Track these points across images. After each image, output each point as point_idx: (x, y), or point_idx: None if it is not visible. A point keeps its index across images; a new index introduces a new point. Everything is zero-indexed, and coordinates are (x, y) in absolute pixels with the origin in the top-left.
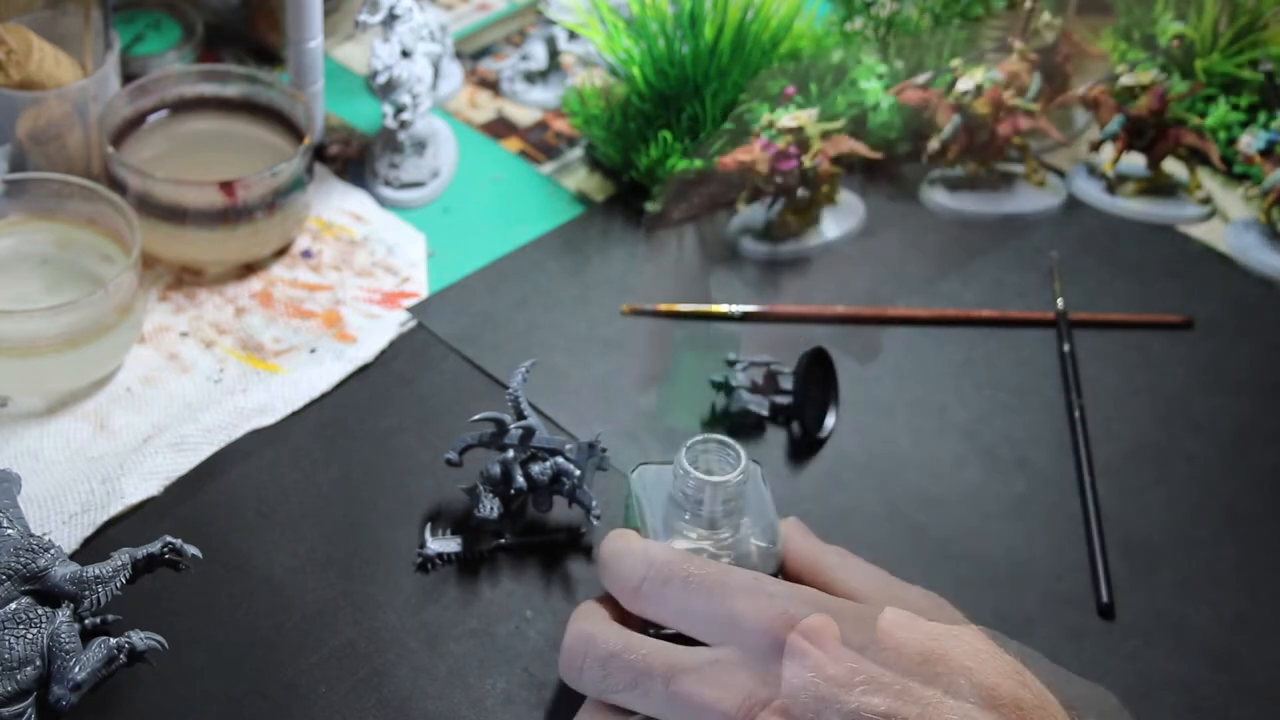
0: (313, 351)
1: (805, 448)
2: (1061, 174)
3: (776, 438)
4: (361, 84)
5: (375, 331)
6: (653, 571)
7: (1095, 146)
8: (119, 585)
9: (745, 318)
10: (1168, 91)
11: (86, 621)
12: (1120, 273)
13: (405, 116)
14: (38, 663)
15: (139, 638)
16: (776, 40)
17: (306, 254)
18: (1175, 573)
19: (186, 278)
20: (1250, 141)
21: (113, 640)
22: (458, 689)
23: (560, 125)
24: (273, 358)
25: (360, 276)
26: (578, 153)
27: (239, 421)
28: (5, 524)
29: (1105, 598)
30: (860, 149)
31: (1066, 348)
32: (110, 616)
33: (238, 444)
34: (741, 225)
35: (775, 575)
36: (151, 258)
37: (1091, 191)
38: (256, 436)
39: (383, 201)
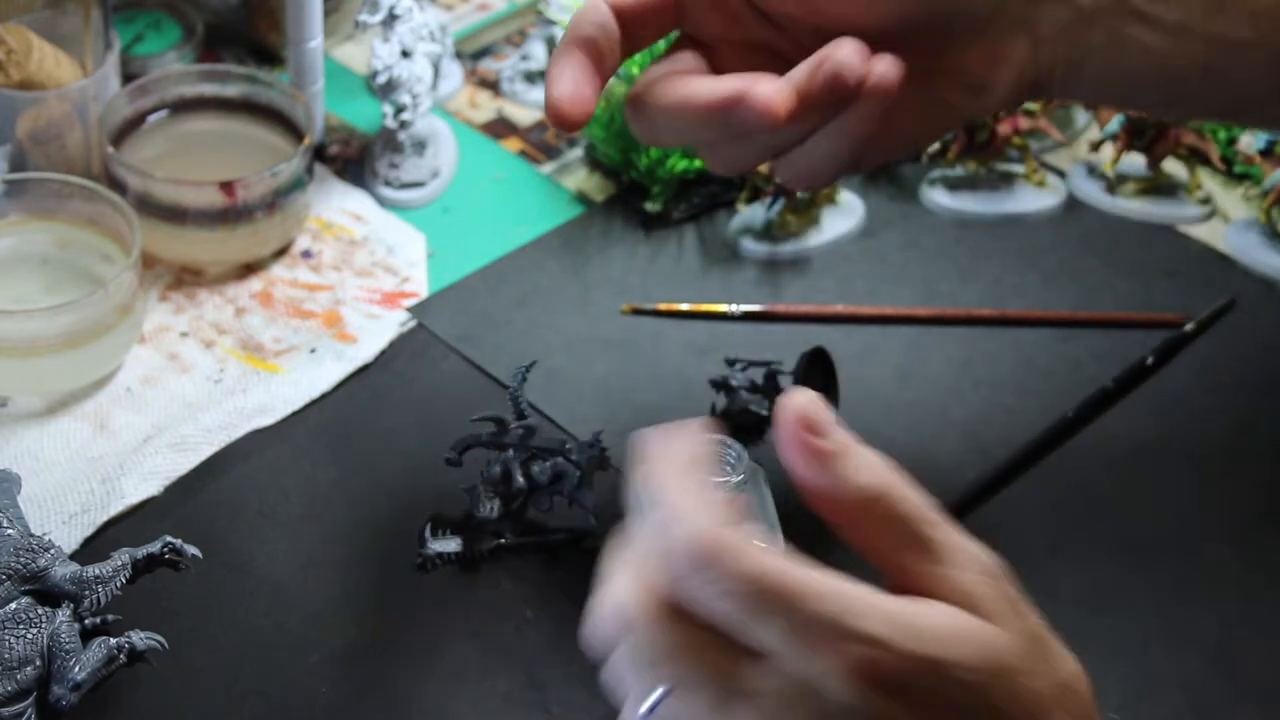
0: (313, 351)
1: None
2: (1061, 174)
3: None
4: (361, 84)
5: (375, 331)
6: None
7: (1095, 146)
8: (119, 585)
9: (745, 318)
10: None
11: (86, 621)
12: (1120, 273)
13: (405, 116)
14: (38, 663)
15: (139, 638)
16: None
17: (306, 254)
18: (1175, 573)
19: (186, 278)
20: (1250, 142)
21: (113, 640)
22: (458, 689)
23: None
24: (273, 358)
25: (360, 276)
26: (578, 153)
27: (239, 421)
28: (5, 524)
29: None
30: None
31: None
32: (110, 616)
33: (238, 444)
34: (741, 225)
35: None
36: (151, 258)
37: (1091, 191)
38: (256, 436)
39: (383, 201)
